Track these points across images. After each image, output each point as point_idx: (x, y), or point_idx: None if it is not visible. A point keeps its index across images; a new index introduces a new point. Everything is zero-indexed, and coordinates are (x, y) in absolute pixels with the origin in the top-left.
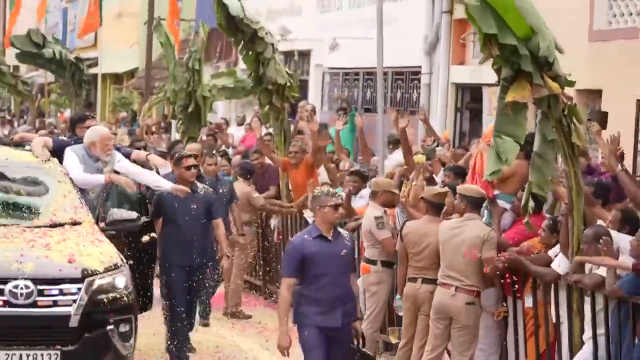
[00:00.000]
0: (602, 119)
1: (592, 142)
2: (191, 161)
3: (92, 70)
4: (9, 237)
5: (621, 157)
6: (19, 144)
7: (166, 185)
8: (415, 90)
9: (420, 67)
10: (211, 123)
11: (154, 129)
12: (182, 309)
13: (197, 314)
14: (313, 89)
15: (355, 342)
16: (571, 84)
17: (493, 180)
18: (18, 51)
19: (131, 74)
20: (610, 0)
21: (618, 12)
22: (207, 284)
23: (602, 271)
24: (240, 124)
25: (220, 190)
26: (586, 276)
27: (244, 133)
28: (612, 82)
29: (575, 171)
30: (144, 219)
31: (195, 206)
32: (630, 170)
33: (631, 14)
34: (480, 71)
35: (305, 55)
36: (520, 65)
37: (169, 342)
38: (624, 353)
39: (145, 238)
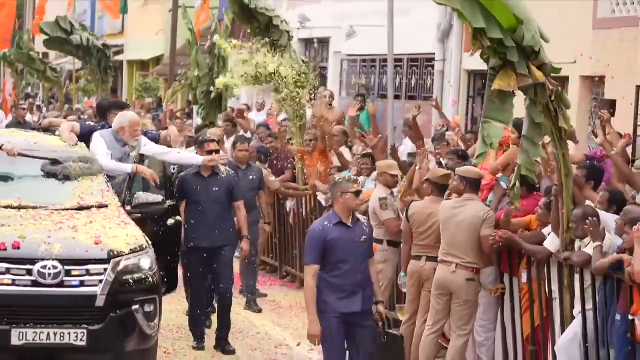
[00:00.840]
0: (611, 107)
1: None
2: (213, 145)
3: (120, 57)
4: (37, 220)
5: (623, 140)
6: (48, 129)
7: (197, 160)
8: (429, 77)
9: (434, 54)
10: (232, 109)
11: (178, 114)
12: (201, 289)
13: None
14: (332, 76)
15: (381, 324)
16: (556, 71)
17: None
18: (47, 38)
19: (157, 60)
20: None
21: (621, 0)
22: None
23: (589, 249)
24: (260, 109)
25: (251, 177)
26: (575, 254)
27: (265, 118)
28: (615, 69)
29: (564, 154)
30: (169, 202)
31: (217, 189)
32: (630, 153)
33: (633, 3)
34: None
35: (324, 42)
36: (507, 55)
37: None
38: (610, 327)
39: (171, 221)
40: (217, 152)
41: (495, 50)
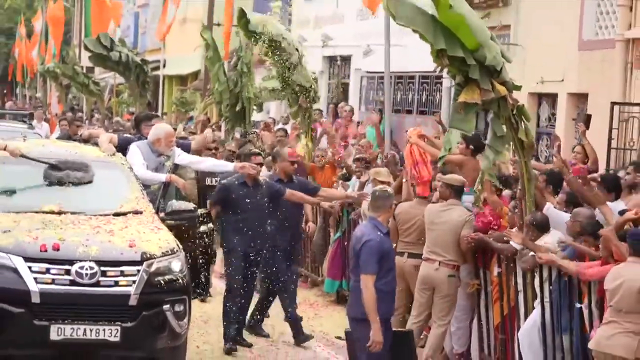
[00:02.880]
0: (587, 120)
1: (580, 140)
2: (258, 159)
3: (161, 72)
4: (76, 224)
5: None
6: (87, 140)
7: (228, 167)
8: (437, 93)
9: (443, 72)
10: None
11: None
12: (238, 291)
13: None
14: (353, 91)
15: None
16: (517, 88)
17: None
18: (90, 54)
19: (195, 75)
20: (597, 13)
21: (603, 24)
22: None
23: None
24: (285, 123)
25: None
26: (520, 260)
27: (290, 131)
28: (596, 86)
29: (525, 162)
30: (201, 210)
31: (259, 196)
32: (603, 163)
33: (614, 27)
34: None
35: (346, 60)
36: (469, 72)
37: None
38: (563, 316)
39: (203, 228)
40: (260, 164)
41: (459, 68)
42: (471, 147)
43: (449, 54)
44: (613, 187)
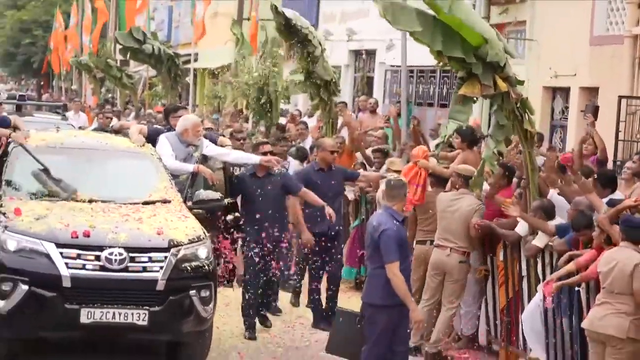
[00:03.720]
0: (595, 112)
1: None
2: (267, 148)
3: (194, 65)
4: (106, 212)
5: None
6: (119, 131)
7: (254, 159)
8: None
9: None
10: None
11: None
12: (255, 282)
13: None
14: (377, 85)
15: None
16: (520, 83)
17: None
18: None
19: (226, 69)
20: (607, 10)
21: (614, 20)
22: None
23: (537, 240)
24: (310, 115)
25: (332, 182)
26: (525, 247)
27: (316, 123)
28: (606, 81)
29: (529, 152)
30: (228, 200)
31: (270, 187)
32: (610, 156)
33: (623, 23)
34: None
35: (371, 54)
36: (472, 68)
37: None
38: (564, 300)
39: (230, 217)
40: (271, 153)
41: (461, 65)
42: (466, 141)
43: (447, 54)
44: (608, 182)
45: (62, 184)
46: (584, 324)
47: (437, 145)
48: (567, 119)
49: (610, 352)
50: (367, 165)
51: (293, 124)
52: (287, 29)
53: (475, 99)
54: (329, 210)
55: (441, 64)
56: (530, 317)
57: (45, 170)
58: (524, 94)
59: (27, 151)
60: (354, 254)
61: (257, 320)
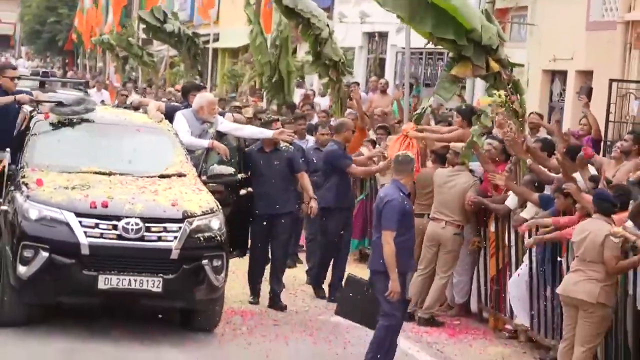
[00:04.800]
0: (589, 93)
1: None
2: (278, 125)
3: (214, 45)
4: (124, 184)
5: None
6: (138, 108)
7: (267, 134)
8: None
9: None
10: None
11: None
12: (261, 252)
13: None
14: (389, 67)
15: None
16: (513, 65)
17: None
18: (145, 26)
19: (246, 49)
20: None
21: (609, 6)
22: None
23: (525, 213)
24: (323, 95)
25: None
26: (514, 219)
27: (328, 103)
28: (600, 65)
29: (521, 130)
30: (241, 175)
31: (278, 162)
32: (602, 136)
33: (617, 9)
34: (513, 52)
35: (383, 36)
36: (463, 51)
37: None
38: (547, 269)
39: (243, 191)
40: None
41: (453, 46)
42: (466, 119)
43: (438, 36)
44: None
45: (78, 106)
46: (558, 290)
47: (417, 116)
48: (564, 100)
49: (582, 315)
50: (377, 143)
51: (308, 103)
52: (290, 12)
53: (464, 80)
54: (313, 204)
55: (429, 42)
56: (517, 285)
57: (60, 103)
58: (525, 76)
59: (36, 101)
60: (358, 227)
61: (260, 286)
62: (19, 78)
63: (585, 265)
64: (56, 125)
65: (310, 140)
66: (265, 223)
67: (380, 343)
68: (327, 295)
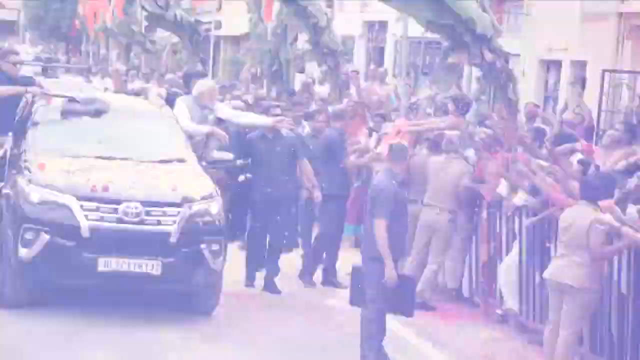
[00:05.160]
0: (583, 83)
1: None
2: (277, 111)
3: (217, 32)
4: (125, 169)
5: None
6: (139, 94)
7: (267, 121)
8: None
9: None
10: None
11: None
12: (259, 238)
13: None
14: (388, 55)
15: None
16: (507, 55)
17: None
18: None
19: (248, 37)
20: None
21: None
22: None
23: (516, 199)
24: (321, 83)
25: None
26: (505, 206)
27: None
28: (594, 55)
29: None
30: (240, 161)
31: (279, 148)
32: (595, 124)
33: (611, 1)
34: (511, 43)
35: (383, 25)
36: (461, 36)
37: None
38: (536, 255)
39: (241, 177)
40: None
41: (449, 35)
42: (459, 108)
43: (438, 20)
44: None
45: (89, 106)
46: (545, 274)
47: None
48: (559, 90)
49: (567, 299)
50: (374, 131)
51: (308, 91)
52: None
53: (461, 66)
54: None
55: (428, 33)
56: (506, 271)
57: (72, 99)
58: (521, 66)
59: (48, 94)
60: (353, 213)
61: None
62: (21, 63)
63: (571, 251)
64: (57, 109)
65: (305, 127)
66: (264, 208)
67: (368, 329)
68: (321, 280)
